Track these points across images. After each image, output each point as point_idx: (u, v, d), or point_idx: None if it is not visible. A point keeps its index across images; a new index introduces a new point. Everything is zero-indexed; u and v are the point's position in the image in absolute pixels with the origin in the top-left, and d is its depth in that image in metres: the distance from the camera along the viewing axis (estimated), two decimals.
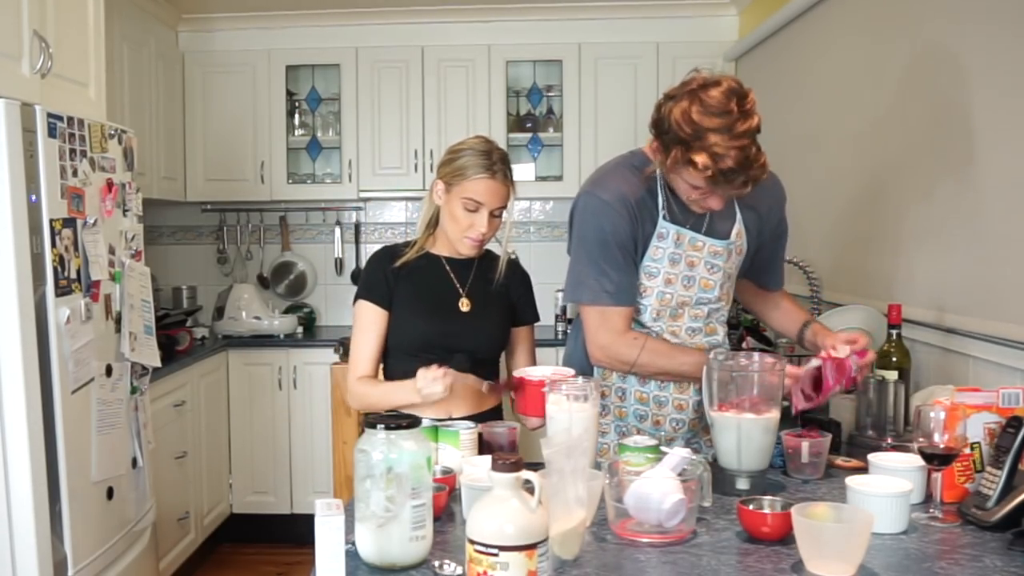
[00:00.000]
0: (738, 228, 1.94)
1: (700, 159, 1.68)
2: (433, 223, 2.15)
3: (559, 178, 4.38)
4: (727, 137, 1.66)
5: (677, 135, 1.71)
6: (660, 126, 1.76)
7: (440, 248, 2.14)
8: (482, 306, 2.12)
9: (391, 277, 2.09)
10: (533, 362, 2.20)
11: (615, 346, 1.89)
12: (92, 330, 2.38)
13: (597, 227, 1.88)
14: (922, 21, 2.41)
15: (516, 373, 1.90)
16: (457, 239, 2.07)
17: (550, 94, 4.56)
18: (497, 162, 2.03)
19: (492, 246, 2.17)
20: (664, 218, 1.89)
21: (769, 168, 1.75)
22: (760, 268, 2.10)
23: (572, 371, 1.87)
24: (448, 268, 2.13)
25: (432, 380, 1.86)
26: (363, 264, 4.59)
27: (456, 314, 2.09)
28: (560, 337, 4.17)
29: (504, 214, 2.08)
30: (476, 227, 2.03)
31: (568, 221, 1.99)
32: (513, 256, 2.24)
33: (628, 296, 1.90)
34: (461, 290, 2.12)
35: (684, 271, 1.91)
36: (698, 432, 2.01)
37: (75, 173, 2.34)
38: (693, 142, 1.68)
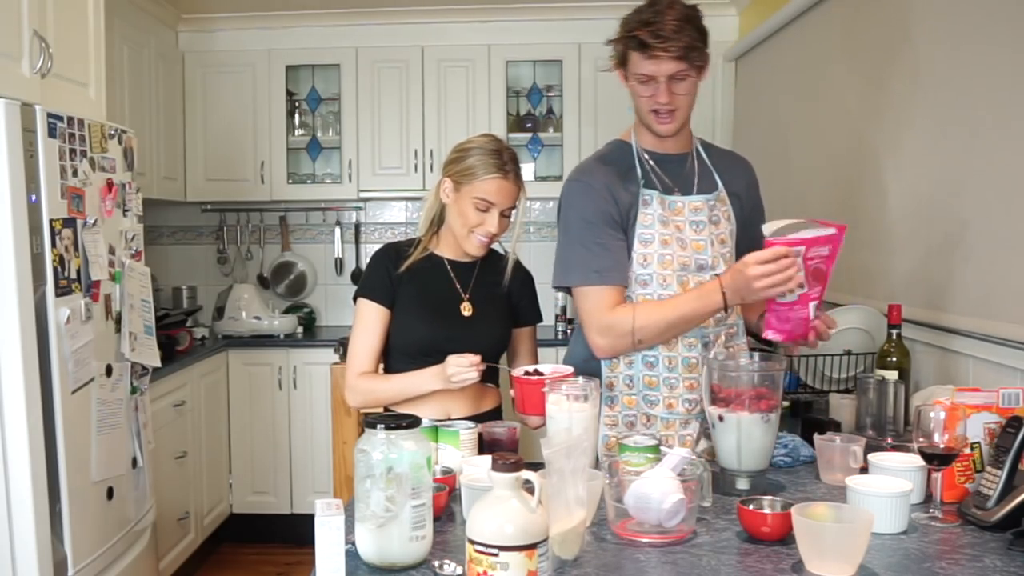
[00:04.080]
0: (721, 194, 1.96)
1: (638, 32, 1.80)
2: (437, 222, 2.15)
3: (559, 178, 4.37)
4: (654, 10, 1.81)
5: (619, 37, 1.87)
6: (615, 54, 1.91)
7: (444, 249, 2.14)
8: (483, 310, 2.11)
9: (395, 278, 2.09)
10: (535, 362, 2.19)
11: (610, 322, 1.86)
12: (92, 330, 2.38)
13: (579, 208, 1.91)
14: (922, 20, 2.41)
15: (513, 372, 1.89)
16: (465, 237, 2.06)
17: (550, 94, 4.56)
18: (508, 162, 2.03)
19: (495, 245, 2.17)
20: (644, 185, 1.91)
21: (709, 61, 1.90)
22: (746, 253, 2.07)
23: (570, 368, 1.87)
24: (451, 271, 2.12)
25: (468, 367, 1.90)
26: (363, 264, 4.60)
27: (457, 319, 2.09)
28: (560, 337, 4.18)
29: (513, 214, 2.07)
30: (486, 226, 2.03)
31: (556, 216, 2.00)
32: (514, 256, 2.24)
33: (616, 275, 1.88)
34: (463, 294, 2.11)
35: (675, 233, 1.91)
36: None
37: (75, 173, 2.34)
38: (630, 27, 1.84)
